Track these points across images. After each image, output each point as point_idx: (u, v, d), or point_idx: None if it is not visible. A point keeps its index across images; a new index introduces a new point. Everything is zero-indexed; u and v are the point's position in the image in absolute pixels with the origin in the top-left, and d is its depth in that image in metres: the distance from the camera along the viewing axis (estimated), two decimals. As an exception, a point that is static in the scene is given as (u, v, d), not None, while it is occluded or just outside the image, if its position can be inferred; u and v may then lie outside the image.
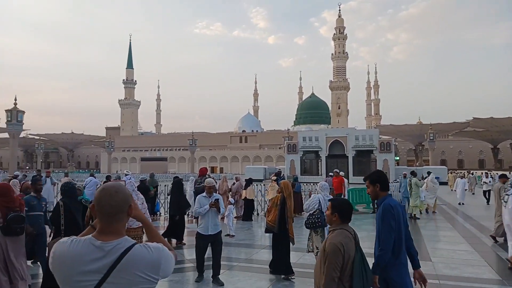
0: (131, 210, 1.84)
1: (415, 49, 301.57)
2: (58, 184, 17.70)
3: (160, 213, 16.05)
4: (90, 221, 7.69)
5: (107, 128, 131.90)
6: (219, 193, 11.41)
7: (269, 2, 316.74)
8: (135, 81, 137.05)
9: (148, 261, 1.72)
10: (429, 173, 18.57)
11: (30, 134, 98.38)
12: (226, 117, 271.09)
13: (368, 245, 10.55)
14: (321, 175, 44.47)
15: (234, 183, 15.86)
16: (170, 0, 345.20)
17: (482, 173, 31.37)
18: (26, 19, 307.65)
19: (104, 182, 10.63)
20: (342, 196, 16.30)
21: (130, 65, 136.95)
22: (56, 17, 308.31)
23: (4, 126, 39.50)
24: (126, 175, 17.54)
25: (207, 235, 6.78)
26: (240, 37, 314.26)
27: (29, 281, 5.58)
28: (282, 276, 7.02)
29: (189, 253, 9.11)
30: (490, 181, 21.94)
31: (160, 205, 16.16)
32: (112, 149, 75.57)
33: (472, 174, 35.79)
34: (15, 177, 14.78)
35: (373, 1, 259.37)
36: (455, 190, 22.28)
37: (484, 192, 21.41)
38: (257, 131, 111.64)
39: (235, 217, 14.19)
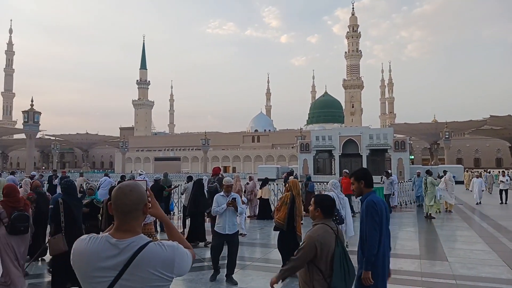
0: (146, 208, 1.87)
1: (429, 47, 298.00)
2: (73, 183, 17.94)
3: (174, 212, 16.14)
4: (103, 219, 7.79)
5: (121, 129, 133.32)
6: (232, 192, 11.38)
7: (281, 1, 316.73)
8: (149, 81, 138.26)
9: (161, 259, 1.74)
10: (445, 172, 18.32)
11: (46, 135, 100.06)
12: (239, 117, 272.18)
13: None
14: (335, 174, 44.21)
15: (248, 183, 15.86)
16: (182, 1, 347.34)
17: (499, 172, 30.73)
18: (42, 22, 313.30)
19: (119, 182, 10.73)
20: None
21: (143, 65, 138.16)
22: (71, 19, 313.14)
23: (21, 127, 40.23)
24: (140, 174, 17.74)
25: (224, 234, 6.78)
26: (253, 36, 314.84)
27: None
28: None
29: (205, 252, 9.14)
30: (507, 180, 21.49)
31: (174, 204, 16.25)
32: (126, 149, 76.39)
33: (489, 173, 35.05)
34: (32, 177, 15.07)
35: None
36: (471, 190, 21.85)
37: (501, 191, 20.97)
38: (269, 130, 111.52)
39: (248, 217, 14.20)
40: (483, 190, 21.43)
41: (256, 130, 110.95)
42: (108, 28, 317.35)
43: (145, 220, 6.77)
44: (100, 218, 7.82)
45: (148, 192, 1.98)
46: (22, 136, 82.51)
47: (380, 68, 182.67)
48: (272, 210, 15.78)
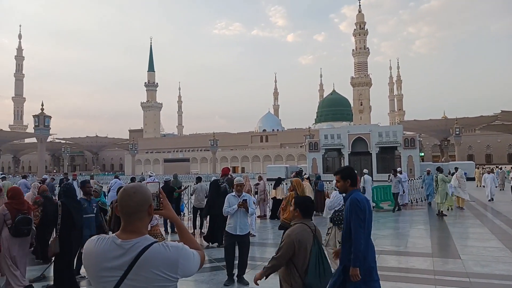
0: (151, 209, 1.90)
1: (438, 42, 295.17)
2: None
3: (184, 213, 16.20)
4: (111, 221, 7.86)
5: (130, 131, 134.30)
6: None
7: (287, 0, 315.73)
8: (157, 83, 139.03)
9: (165, 260, 1.76)
10: (456, 168, 18.13)
11: (56, 138, 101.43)
12: (247, 117, 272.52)
13: (390, 243, 10.40)
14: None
15: (258, 183, 15.80)
16: (189, 2, 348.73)
17: (511, 167, 30.24)
18: (50, 27, 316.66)
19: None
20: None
21: (151, 68, 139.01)
22: (79, 23, 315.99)
23: (32, 131, 40.73)
24: (150, 176, 17.82)
25: (235, 234, 6.78)
26: (259, 36, 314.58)
27: (26, 282, 5.81)
28: None
29: (215, 253, 9.15)
30: (520, 176, 21.21)
31: (185, 205, 16.31)
32: (135, 151, 76.99)
33: (501, 169, 34.54)
34: (43, 180, 15.24)
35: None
36: (483, 186, 21.55)
37: (512, 187, 20.65)
38: (278, 130, 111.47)
39: (258, 217, 14.20)
40: (496, 187, 21.15)
41: (264, 130, 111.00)
42: (116, 31, 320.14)
43: (152, 222, 6.81)
44: (106, 219, 7.88)
45: (160, 193, 2.00)
46: (33, 140, 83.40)
47: (388, 65, 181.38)
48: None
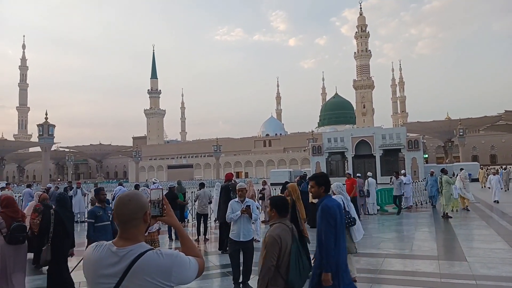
0: (146, 217, 1.92)
1: (440, 43, 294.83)
2: (88, 194, 18.14)
3: (189, 220, 16.20)
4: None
5: (134, 138, 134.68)
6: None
7: (288, 4, 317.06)
8: (160, 90, 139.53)
9: (158, 267, 1.77)
10: (461, 169, 18.04)
11: (60, 147, 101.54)
12: (250, 122, 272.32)
13: (395, 246, 10.33)
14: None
15: (264, 188, 15.67)
16: (190, 9, 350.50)
17: (516, 168, 30.12)
18: (53, 36, 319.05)
19: (132, 191, 10.79)
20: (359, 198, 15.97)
21: (154, 75, 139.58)
22: (82, 32, 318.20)
23: (37, 140, 40.92)
24: (154, 183, 17.83)
25: (238, 241, 6.75)
26: (261, 41, 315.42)
27: None
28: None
29: (218, 259, 9.13)
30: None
31: (189, 212, 16.30)
32: (139, 158, 77.16)
33: (505, 169, 34.15)
34: (48, 189, 15.27)
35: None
36: (488, 187, 21.37)
37: (517, 188, 20.46)
38: (280, 134, 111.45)
39: (262, 221, 14.16)
40: (501, 188, 20.98)
41: (267, 135, 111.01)
42: (118, 38, 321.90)
43: (150, 228, 6.81)
44: None
45: (163, 200, 2.02)
46: (38, 149, 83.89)
47: (391, 67, 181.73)
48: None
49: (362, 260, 8.54)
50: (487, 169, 38.54)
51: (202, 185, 12.99)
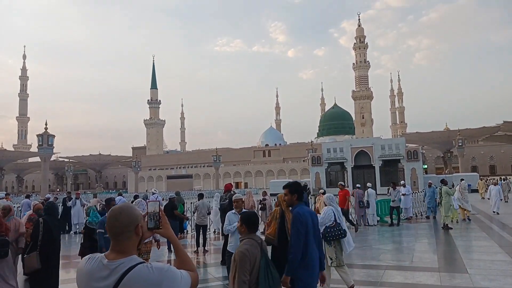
0: (138, 229, 1.91)
1: (438, 54, 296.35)
2: (87, 205, 18.04)
3: (188, 230, 16.12)
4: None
5: (133, 148, 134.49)
6: (245, 209, 11.29)
7: (287, 16, 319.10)
8: (160, 101, 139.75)
9: (147, 281, 1.75)
10: (462, 180, 18.03)
11: (60, 157, 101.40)
12: (249, 132, 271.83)
13: (395, 258, 10.27)
14: (348, 187, 43.78)
15: (265, 198, 15.58)
16: (190, 20, 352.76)
17: (515, 178, 30.09)
18: (53, 46, 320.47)
19: (132, 201, 10.79)
20: (350, 210, 16.04)
21: (154, 85, 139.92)
22: (82, 42, 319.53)
23: (36, 150, 40.84)
24: (153, 193, 17.77)
25: None
26: (260, 52, 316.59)
27: None
28: None
29: (217, 271, 9.07)
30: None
31: (188, 223, 16.23)
32: (138, 169, 76.93)
33: (504, 180, 34.10)
34: (46, 200, 15.22)
35: (393, 9, 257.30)
36: (488, 198, 21.30)
37: (517, 199, 20.40)
38: (280, 144, 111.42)
39: (261, 232, 14.06)
40: (501, 200, 20.91)
41: (266, 145, 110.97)
42: (118, 49, 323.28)
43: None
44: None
45: (160, 212, 2.02)
46: (37, 159, 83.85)
47: (389, 78, 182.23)
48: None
49: (362, 272, 8.50)
50: (487, 179, 38.51)
51: (201, 196, 12.96)
